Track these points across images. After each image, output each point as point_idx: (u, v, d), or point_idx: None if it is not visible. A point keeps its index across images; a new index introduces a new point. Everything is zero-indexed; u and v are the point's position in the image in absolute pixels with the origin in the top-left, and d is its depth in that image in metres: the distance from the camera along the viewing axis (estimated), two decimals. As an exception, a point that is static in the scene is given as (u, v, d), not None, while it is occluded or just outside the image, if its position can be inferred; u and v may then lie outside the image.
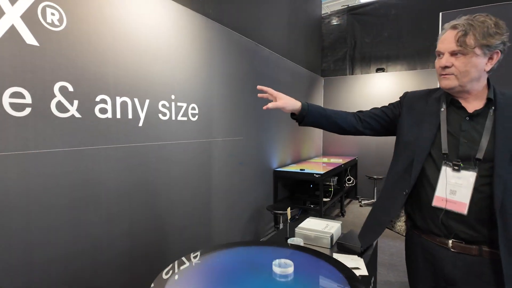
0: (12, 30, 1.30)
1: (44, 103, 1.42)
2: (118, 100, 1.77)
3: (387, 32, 4.98)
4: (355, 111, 1.31)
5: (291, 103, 1.23)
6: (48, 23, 1.42)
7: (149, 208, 2.00)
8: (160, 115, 2.05)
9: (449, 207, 1.02)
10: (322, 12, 5.63)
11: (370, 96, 5.04)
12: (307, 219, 1.76)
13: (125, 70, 1.80)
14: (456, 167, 1.02)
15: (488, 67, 0.99)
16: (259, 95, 1.35)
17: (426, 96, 1.17)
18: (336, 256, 1.44)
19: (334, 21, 5.47)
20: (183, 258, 1.31)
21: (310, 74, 4.92)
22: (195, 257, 1.35)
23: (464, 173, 1.01)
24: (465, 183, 1.00)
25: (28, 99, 1.36)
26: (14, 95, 1.31)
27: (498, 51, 0.98)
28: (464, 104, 1.05)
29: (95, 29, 1.63)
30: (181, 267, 1.25)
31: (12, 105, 1.31)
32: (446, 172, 1.04)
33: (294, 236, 1.60)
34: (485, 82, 1.04)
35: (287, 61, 4.01)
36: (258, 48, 3.30)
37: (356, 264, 1.39)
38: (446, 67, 1.01)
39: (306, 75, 4.75)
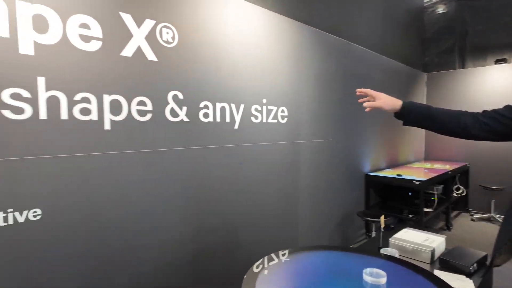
0: (138, 50, 1.58)
1: (160, 109, 1.68)
2: (218, 105, 1.96)
3: (507, 17, 4.15)
4: (468, 111, 1.13)
5: (390, 103, 1.17)
6: (164, 41, 1.68)
7: (240, 204, 2.14)
8: (252, 118, 2.18)
9: None
10: (425, 1, 5.05)
11: (487, 93, 4.28)
12: (404, 230, 1.61)
13: (223, 77, 1.98)
14: None
15: None
16: (359, 100, 1.32)
17: None
18: (438, 273, 1.28)
19: (440, 9, 4.84)
20: (272, 255, 1.37)
21: (409, 69, 4.47)
22: (283, 255, 1.39)
23: None
24: None
25: (149, 106, 1.63)
26: (140, 103, 1.59)
27: None
28: None
29: (200, 43, 1.84)
30: (270, 263, 1.31)
31: (138, 112, 1.59)
32: None
33: (388, 247, 1.49)
34: None
35: (381, 57, 3.74)
36: (350, 46, 3.17)
37: (463, 285, 1.21)
38: None
39: (404, 71, 4.33)
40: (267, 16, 2.26)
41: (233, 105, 2.04)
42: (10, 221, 1.23)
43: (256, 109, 2.20)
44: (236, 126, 2.07)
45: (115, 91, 1.50)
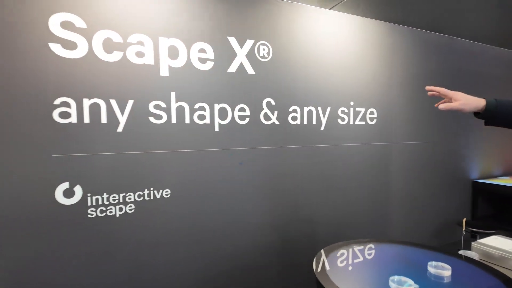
0: (241, 66, 1.92)
1: (256, 114, 1.99)
2: (305, 109, 2.16)
3: None
4: None
5: (473, 104, 1.08)
6: (260, 56, 1.98)
7: (325, 200, 2.29)
8: (339, 120, 2.30)
9: None
10: None
11: None
12: (494, 236, 1.50)
13: (312, 83, 2.17)
14: None
15: None
16: (429, 93, 1.26)
17: None
18: None
19: None
20: (348, 241, 1.51)
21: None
22: (357, 243, 1.52)
23: None
24: None
25: (247, 112, 1.96)
26: (240, 110, 1.93)
27: None
28: None
29: (291, 55, 2.08)
30: (344, 247, 1.46)
31: (239, 117, 1.93)
32: None
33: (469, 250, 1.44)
34: None
35: (498, 49, 3.28)
36: (453, 41, 2.92)
37: None
38: None
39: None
40: (356, 22, 2.34)
41: (319, 108, 2.21)
42: (152, 197, 1.71)
43: (342, 111, 2.31)
44: (322, 128, 2.23)
45: (222, 100, 1.87)
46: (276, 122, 2.06)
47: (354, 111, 2.36)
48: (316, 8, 2.16)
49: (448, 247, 1.43)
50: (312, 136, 2.20)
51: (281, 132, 2.09)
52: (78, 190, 1.54)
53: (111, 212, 1.62)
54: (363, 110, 2.40)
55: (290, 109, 2.11)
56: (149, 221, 1.72)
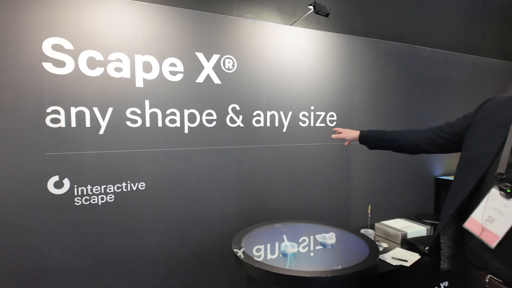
0: (208, 77, 2.23)
1: (223, 118, 2.30)
2: (268, 113, 2.46)
3: None
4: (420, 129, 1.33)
5: (350, 135, 1.46)
6: (226, 68, 2.29)
7: (289, 194, 2.59)
8: (300, 123, 2.60)
9: (482, 235, 0.92)
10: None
11: None
12: (397, 219, 1.86)
13: (275, 91, 2.47)
14: (503, 192, 0.87)
15: None
16: (333, 136, 1.63)
17: (509, 103, 0.98)
18: (398, 249, 1.53)
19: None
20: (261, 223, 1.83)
21: (508, 65, 3.97)
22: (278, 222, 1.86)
23: None
24: (509, 213, 0.86)
25: (215, 116, 2.27)
26: (208, 114, 2.24)
27: None
28: None
29: (255, 66, 2.38)
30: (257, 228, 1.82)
31: (207, 120, 2.24)
32: (491, 195, 0.91)
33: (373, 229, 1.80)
34: None
35: (460, 55, 3.52)
36: (415, 50, 3.18)
37: (408, 257, 1.41)
38: None
39: (499, 68, 3.88)
40: (315, 35, 2.62)
41: (281, 113, 2.51)
42: (129, 189, 2.04)
43: (303, 115, 2.61)
44: (284, 130, 2.53)
45: (192, 106, 2.19)
46: (241, 125, 2.37)
47: (315, 115, 2.66)
48: (277, 25, 2.46)
49: (357, 228, 1.75)
50: (275, 137, 2.51)
51: (245, 134, 2.39)
52: (66, 182, 1.87)
53: (94, 201, 1.95)
54: (323, 113, 2.69)
55: (254, 114, 2.41)
56: (127, 209, 2.04)
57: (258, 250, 1.46)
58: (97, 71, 1.91)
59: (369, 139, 1.41)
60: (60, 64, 1.82)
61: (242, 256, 1.31)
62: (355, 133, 1.46)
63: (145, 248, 2.11)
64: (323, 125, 2.71)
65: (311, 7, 2.08)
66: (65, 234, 1.89)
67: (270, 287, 1.30)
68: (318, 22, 2.58)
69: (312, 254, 1.42)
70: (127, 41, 1.98)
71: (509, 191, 0.87)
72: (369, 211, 1.67)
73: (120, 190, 2.02)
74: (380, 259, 1.43)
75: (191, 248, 2.24)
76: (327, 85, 2.70)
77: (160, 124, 2.10)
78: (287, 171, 2.57)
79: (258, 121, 2.43)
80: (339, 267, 1.22)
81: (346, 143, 1.53)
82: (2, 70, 1.70)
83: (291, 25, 2.51)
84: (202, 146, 2.25)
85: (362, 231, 1.64)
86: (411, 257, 1.43)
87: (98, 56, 1.91)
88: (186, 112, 2.17)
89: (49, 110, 1.81)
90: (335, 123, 2.75)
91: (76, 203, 1.90)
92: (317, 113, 2.67)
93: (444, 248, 1.09)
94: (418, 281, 1.39)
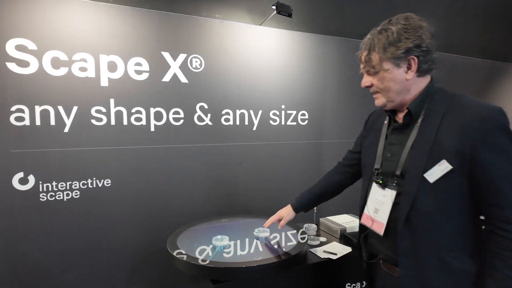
0: (174, 76, 2.27)
1: (190, 116, 2.34)
2: (238, 112, 2.50)
3: None
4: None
5: (287, 213, 1.47)
6: (193, 68, 2.33)
7: (259, 191, 2.62)
8: (271, 121, 2.63)
9: (373, 226, 1.01)
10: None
11: None
12: (344, 214, 1.92)
13: (244, 90, 2.51)
14: (379, 184, 0.99)
15: (410, 75, 0.91)
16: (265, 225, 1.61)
17: (383, 111, 1.11)
18: (334, 243, 1.60)
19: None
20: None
21: (490, 64, 3.96)
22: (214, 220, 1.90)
23: (388, 190, 0.97)
24: (387, 201, 0.96)
25: (182, 114, 2.31)
26: (175, 113, 2.29)
27: (413, 56, 0.89)
28: (398, 116, 1.01)
29: (223, 66, 2.42)
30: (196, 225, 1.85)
31: (174, 119, 2.29)
32: (373, 189, 1.02)
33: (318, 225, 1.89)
34: (418, 90, 0.95)
35: (442, 54, 3.53)
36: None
37: (339, 251, 1.47)
38: (367, 87, 1.00)
39: (480, 67, 3.88)
40: (285, 35, 2.66)
41: (251, 111, 2.55)
42: (94, 185, 2.09)
43: (274, 114, 2.64)
44: (254, 128, 2.57)
45: (158, 105, 2.23)
46: (210, 123, 2.41)
47: (286, 113, 2.69)
48: (246, 25, 2.49)
49: (299, 222, 1.79)
50: (245, 135, 2.54)
51: (214, 132, 2.43)
52: (31, 179, 1.93)
53: (59, 196, 2.00)
54: (294, 112, 2.72)
55: (223, 112, 2.45)
56: (93, 204, 2.09)
57: (194, 245, 1.52)
58: (62, 71, 1.96)
59: (303, 206, 1.45)
60: (24, 64, 1.87)
61: (183, 256, 1.34)
62: (289, 209, 1.48)
63: (111, 243, 2.16)
64: (295, 123, 2.74)
65: (274, 7, 2.12)
66: (31, 229, 1.94)
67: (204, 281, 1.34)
68: (290, 21, 2.61)
69: (240, 246, 1.48)
70: (92, 41, 2.03)
71: (381, 182, 0.99)
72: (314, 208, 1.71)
73: (85, 186, 2.07)
74: (310, 251, 1.50)
75: (157, 244, 2.28)
76: (298, 84, 2.73)
77: (125, 122, 2.15)
78: (257, 169, 2.61)
79: (227, 120, 2.47)
80: (259, 259, 1.28)
81: (282, 223, 1.49)
82: (-35, 70, 1.76)
83: (260, 25, 2.54)
84: (169, 144, 2.29)
85: (306, 225, 1.67)
86: (342, 251, 1.48)
87: (63, 56, 1.96)
88: (152, 110, 2.22)
89: (13, 108, 1.86)
90: (306, 121, 2.78)
91: (41, 199, 1.96)
92: (288, 111, 2.70)
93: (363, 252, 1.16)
94: (344, 274, 1.45)
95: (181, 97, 2.31)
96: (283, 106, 2.68)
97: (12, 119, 1.86)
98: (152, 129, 2.23)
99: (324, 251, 1.44)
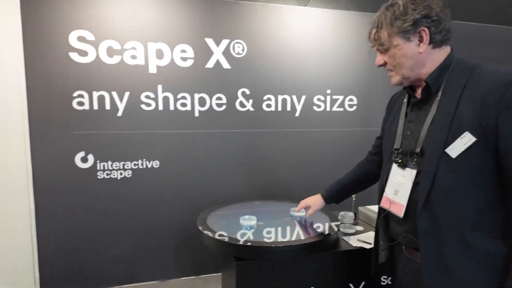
0: (217, 62, 2.30)
1: (232, 102, 2.36)
2: (280, 97, 2.45)
3: None
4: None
5: (314, 202, 1.40)
6: (235, 53, 2.33)
7: (299, 180, 2.56)
8: (315, 107, 2.53)
9: (392, 208, 0.95)
10: None
11: None
12: None
13: (287, 75, 2.45)
14: (398, 164, 0.94)
15: (423, 48, 0.85)
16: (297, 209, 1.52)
17: (403, 91, 1.05)
18: (371, 233, 1.48)
19: None
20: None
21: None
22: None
23: (407, 170, 0.90)
24: (407, 182, 0.89)
25: (224, 100, 2.35)
26: (217, 98, 2.33)
27: (423, 28, 0.82)
28: (417, 92, 0.94)
29: (266, 50, 2.39)
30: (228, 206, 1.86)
31: (217, 104, 2.33)
32: (393, 170, 0.97)
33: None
34: (436, 63, 0.88)
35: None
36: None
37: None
38: (381, 65, 0.95)
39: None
40: (332, 15, 2.51)
41: (294, 97, 2.48)
42: (145, 166, 2.24)
43: (319, 99, 2.53)
44: (297, 114, 2.50)
45: (202, 91, 2.29)
46: (251, 109, 2.41)
47: (331, 99, 2.56)
48: (290, 6, 2.41)
49: (336, 210, 1.70)
50: (287, 122, 2.49)
51: (256, 118, 2.43)
52: (91, 158, 2.14)
53: (114, 175, 2.20)
54: (341, 97, 2.58)
55: (265, 98, 2.43)
56: (143, 184, 2.25)
57: (223, 223, 1.55)
58: (115, 59, 2.11)
59: (330, 197, 1.38)
60: (83, 53, 2.06)
61: (209, 232, 1.37)
62: (317, 198, 1.41)
63: (159, 221, 2.31)
64: (341, 109, 2.60)
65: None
66: (90, 203, 2.17)
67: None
68: (337, 1, 2.46)
69: (268, 227, 1.45)
70: (141, 30, 2.15)
71: (399, 161, 0.94)
72: (353, 196, 1.60)
73: (136, 167, 2.23)
74: (343, 239, 1.42)
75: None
76: (346, 67, 2.57)
77: (172, 108, 2.25)
78: (299, 156, 2.55)
79: (269, 105, 2.44)
80: (285, 239, 1.26)
81: (310, 212, 1.42)
82: (35, 61, 1.99)
83: (305, 5, 2.43)
84: (212, 129, 2.35)
85: (342, 213, 1.58)
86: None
87: (116, 45, 2.11)
88: (197, 96, 2.28)
89: (75, 94, 2.07)
90: (355, 107, 2.62)
91: (98, 177, 2.17)
92: (334, 97, 2.57)
93: (381, 241, 1.07)
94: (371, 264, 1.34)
95: (224, 83, 2.33)
96: (328, 91, 2.55)
97: (74, 104, 2.07)
98: (196, 114, 2.30)
99: (358, 240, 1.35)
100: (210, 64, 2.29)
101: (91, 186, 2.16)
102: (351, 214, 1.57)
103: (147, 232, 2.29)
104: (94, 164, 2.15)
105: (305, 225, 1.51)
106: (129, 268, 2.28)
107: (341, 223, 1.54)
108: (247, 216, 1.50)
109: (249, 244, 1.21)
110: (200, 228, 1.45)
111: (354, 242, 1.35)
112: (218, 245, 1.29)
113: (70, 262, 2.17)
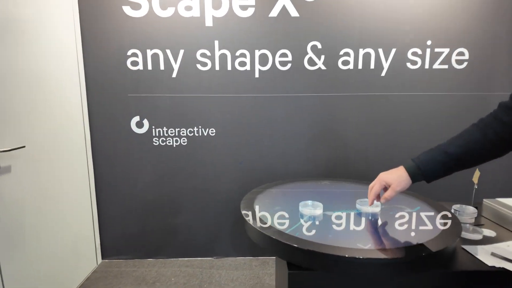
0: (283, 9, 1.89)
1: (300, 59, 1.95)
2: (361, 52, 1.94)
3: None
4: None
5: (397, 179, 0.89)
6: (306, -3, 1.89)
7: (383, 159, 2.06)
8: (408, 64, 1.95)
9: None
10: None
11: None
12: None
13: (371, 21, 1.91)
14: None
15: None
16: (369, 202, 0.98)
17: None
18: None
19: None
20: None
21: None
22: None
23: None
24: None
25: (289, 57, 1.95)
26: (281, 55, 1.94)
27: None
28: None
29: (344, -10, 1.88)
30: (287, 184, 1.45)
31: (280, 62, 1.95)
32: None
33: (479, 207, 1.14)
34: None
35: None
36: None
37: None
38: None
39: None
40: None
41: (380, 50, 1.93)
42: (200, 134, 2.02)
43: (414, 53, 1.94)
44: (383, 74, 1.96)
45: (263, 46, 1.93)
46: (323, 68, 1.96)
47: (432, 52, 1.94)
48: None
49: (449, 203, 1.07)
50: (369, 84, 1.98)
51: (328, 79, 1.98)
52: (146, 123, 2.00)
53: (169, 142, 2.03)
54: (446, 50, 1.93)
55: (341, 53, 1.95)
56: (199, 152, 2.05)
57: (276, 208, 1.13)
58: (169, 11, 1.88)
59: (426, 170, 0.84)
60: (136, 6, 1.87)
61: (250, 219, 0.98)
62: (400, 172, 0.89)
63: (215, 192, 2.10)
64: (446, 66, 1.96)
65: None
66: (146, 170, 2.06)
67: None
68: None
69: (338, 220, 1.00)
70: (196, -24, 1.85)
71: None
72: (475, 179, 1.04)
73: (192, 134, 2.03)
74: (464, 248, 0.89)
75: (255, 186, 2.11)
76: (452, 9, 1.90)
77: (229, 68, 1.95)
78: (384, 128, 2.03)
79: (346, 62, 1.96)
80: (365, 247, 0.79)
81: (386, 195, 0.91)
82: (89, 16, 1.87)
83: None
84: (274, 93, 1.99)
85: (456, 207, 1.05)
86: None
87: (169, -5, 1.87)
88: (257, 53, 1.93)
89: (129, 53, 1.92)
90: (465, 64, 1.95)
91: (154, 143, 2.03)
92: (437, 50, 1.94)
93: None
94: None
95: (290, 36, 1.92)
96: (428, 43, 1.93)
97: (128, 63, 1.93)
98: (257, 75, 1.96)
99: (494, 254, 0.82)
100: (274, 12, 1.90)
101: (147, 153, 2.04)
102: (473, 209, 1.04)
103: (203, 206, 2.12)
104: (150, 129, 2.01)
105: (385, 225, 1.00)
106: (185, 241, 2.16)
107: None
108: (309, 202, 1.09)
109: (308, 249, 0.79)
110: (243, 213, 1.08)
111: (485, 256, 0.83)
112: (264, 242, 0.90)
113: (129, 229, 2.13)
